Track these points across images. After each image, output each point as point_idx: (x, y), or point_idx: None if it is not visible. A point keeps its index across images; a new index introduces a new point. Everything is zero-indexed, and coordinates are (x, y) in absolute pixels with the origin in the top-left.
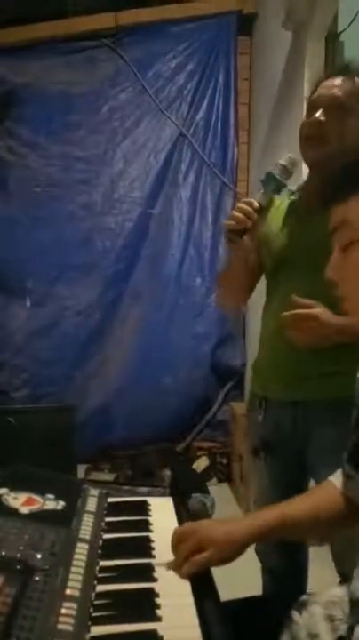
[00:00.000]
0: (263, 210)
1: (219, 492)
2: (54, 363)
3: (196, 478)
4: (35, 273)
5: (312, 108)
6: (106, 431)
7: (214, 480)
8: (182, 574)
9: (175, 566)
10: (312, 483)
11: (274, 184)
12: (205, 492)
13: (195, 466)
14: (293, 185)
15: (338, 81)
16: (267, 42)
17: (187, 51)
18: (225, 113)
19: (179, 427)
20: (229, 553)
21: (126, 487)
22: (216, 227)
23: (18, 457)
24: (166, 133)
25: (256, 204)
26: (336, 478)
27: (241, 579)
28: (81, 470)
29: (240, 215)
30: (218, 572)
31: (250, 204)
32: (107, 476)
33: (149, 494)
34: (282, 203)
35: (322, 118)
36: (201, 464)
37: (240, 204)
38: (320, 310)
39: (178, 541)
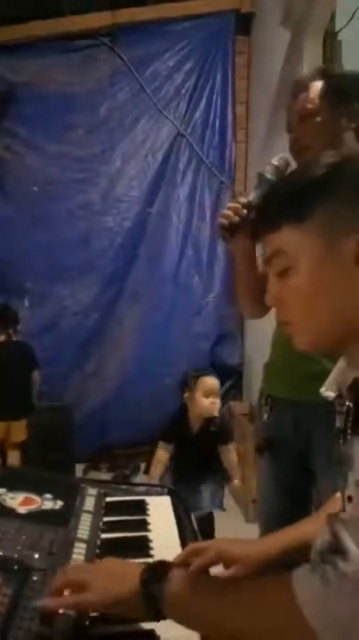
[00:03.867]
0: (254, 209)
1: None
2: (53, 362)
3: None
4: (34, 273)
5: (288, 125)
6: (104, 431)
7: None
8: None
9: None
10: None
11: (265, 184)
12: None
13: None
14: None
15: (303, 94)
16: (264, 41)
17: (185, 50)
18: (223, 112)
19: None
20: (250, 571)
21: (124, 486)
22: (214, 225)
23: None
24: (164, 132)
25: (244, 201)
26: None
27: None
28: (79, 470)
29: (228, 212)
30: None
31: (238, 202)
32: (106, 476)
33: (147, 493)
34: None
35: (296, 134)
36: None
37: (229, 203)
38: None
39: (193, 553)
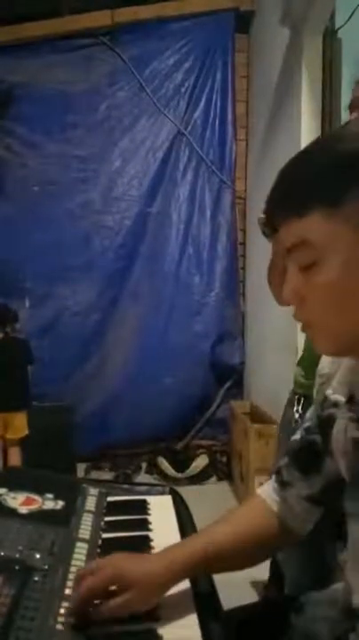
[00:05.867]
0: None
1: (218, 490)
2: (53, 362)
3: None
4: (34, 273)
5: (353, 101)
6: (105, 430)
7: (214, 478)
8: (99, 615)
9: (80, 601)
10: None
11: None
12: None
13: (194, 464)
14: None
15: None
16: (264, 39)
17: (185, 48)
18: (223, 110)
19: (179, 425)
20: (151, 596)
21: (125, 486)
22: (214, 224)
23: None
24: (164, 131)
25: None
26: (265, 494)
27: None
28: (81, 469)
29: None
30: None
31: None
32: (107, 475)
33: (148, 493)
34: None
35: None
36: (200, 462)
37: None
38: None
39: (89, 573)
